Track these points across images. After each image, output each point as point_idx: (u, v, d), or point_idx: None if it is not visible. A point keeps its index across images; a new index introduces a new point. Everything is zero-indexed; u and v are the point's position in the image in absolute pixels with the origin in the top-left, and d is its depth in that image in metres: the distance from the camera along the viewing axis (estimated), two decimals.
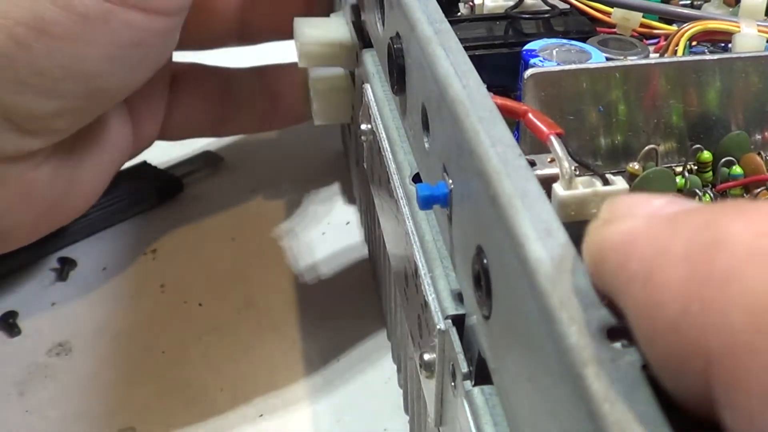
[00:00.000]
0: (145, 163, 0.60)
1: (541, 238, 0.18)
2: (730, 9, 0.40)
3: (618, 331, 0.16)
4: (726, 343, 0.14)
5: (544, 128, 0.25)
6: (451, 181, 0.25)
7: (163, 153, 0.63)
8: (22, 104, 0.38)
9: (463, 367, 0.24)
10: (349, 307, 0.49)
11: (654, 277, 0.15)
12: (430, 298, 0.27)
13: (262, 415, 0.42)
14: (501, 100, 0.26)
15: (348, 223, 0.56)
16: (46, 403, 0.43)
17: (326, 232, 0.55)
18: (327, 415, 0.42)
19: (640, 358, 0.16)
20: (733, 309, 0.14)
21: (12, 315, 0.48)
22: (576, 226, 0.23)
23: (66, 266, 0.52)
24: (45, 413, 0.43)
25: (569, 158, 0.24)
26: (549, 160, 0.26)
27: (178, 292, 0.51)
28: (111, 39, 0.38)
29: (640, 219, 0.17)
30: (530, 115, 0.26)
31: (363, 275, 0.50)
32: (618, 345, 0.16)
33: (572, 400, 0.16)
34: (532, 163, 0.26)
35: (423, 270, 0.28)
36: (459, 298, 0.26)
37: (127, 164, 0.60)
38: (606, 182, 0.25)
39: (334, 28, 0.49)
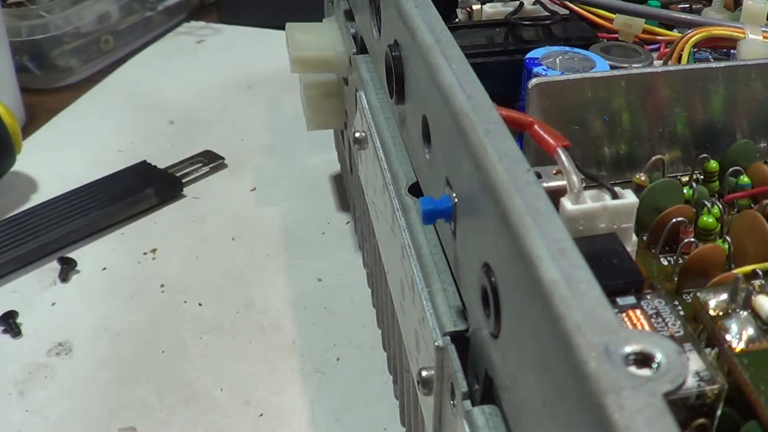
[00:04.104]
0: (145, 163, 0.61)
1: (554, 258, 0.18)
2: (731, 13, 0.40)
3: (638, 355, 0.16)
4: None
5: (551, 140, 0.25)
6: (455, 194, 0.25)
7: (163, 153, 0.63)
8: None
9: (463, 386, 0.24)
10: (350, 307, 0.49)
11: None
12: (428, 313, 0.26)
13: (262, 415, 0.42)
14: (506, 112, 0.26)
15: (348, 222, 0.56)
16: (46, 403, 0.43)
17: (326, 232, 0.55)
18: (327, 415, 0.42)
19: (662, 385, 0.15)
20: None
21: (12, 315, 0.48)
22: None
23: (66, 266, 0.52)
24: (45, 413, 0.42)
25: (577, 172, 0.24)
26: (554, 171, 0.26)
27: (178, 292, 0.50)
28: None
29: None
30: (536, 127, 0.26)
31: (363, 275, 0.50)
32: (638, 371, 0.16)
33: (593, 430, 0.15)
34: (538, 176, 0.26)
35: (420, 284, 0.27)
36: (459, 313, 0.26)
37: (127, 164, 0.60)
38: (615, 195, 0.24)
39: (326, 34, 0.48)
